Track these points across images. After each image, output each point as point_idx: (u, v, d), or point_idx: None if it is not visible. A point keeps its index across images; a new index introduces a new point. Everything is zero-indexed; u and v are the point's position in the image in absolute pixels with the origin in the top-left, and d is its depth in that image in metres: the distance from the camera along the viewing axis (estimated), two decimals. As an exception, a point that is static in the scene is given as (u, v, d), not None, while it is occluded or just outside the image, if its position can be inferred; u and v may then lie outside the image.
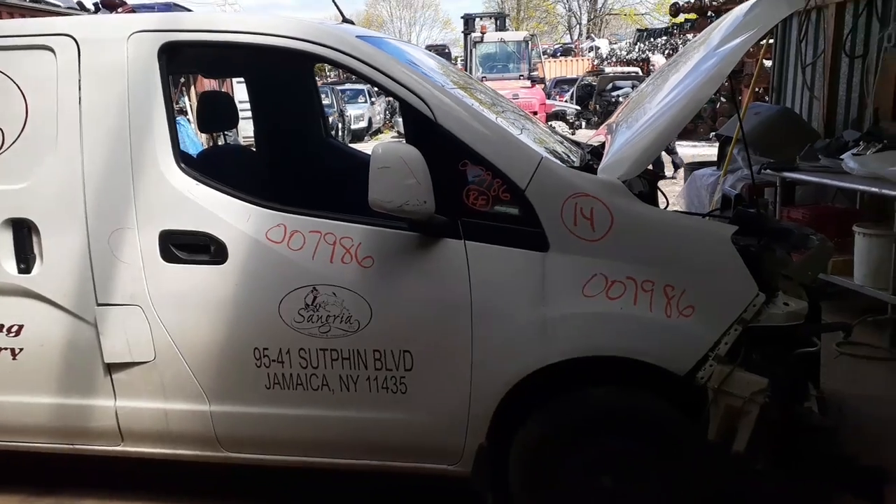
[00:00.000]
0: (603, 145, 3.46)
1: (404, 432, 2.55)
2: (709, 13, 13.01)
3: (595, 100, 20.40)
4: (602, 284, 2.32)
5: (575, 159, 2.77)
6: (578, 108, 20.29)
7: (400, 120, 16.89)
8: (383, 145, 2.26)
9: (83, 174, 2.57)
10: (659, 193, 3.06)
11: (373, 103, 22.23)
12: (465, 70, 15.23)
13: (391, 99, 16.62)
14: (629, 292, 2.31)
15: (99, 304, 2.62)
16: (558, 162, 2.47)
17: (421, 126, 2.40)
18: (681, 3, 13.87)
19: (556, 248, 2.33)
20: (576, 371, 2.38)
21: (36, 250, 2.64)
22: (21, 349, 2.72)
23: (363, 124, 20.83)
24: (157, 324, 2.60)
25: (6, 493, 3.08)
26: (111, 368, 2.68)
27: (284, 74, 3.80)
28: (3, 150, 2.62)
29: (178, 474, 2.93)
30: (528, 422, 2.45)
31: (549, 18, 47.91)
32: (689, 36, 17.84)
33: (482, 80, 13.13)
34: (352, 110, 20.12)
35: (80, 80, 2.56)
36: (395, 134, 20.03)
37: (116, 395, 2.71)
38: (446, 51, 29.88)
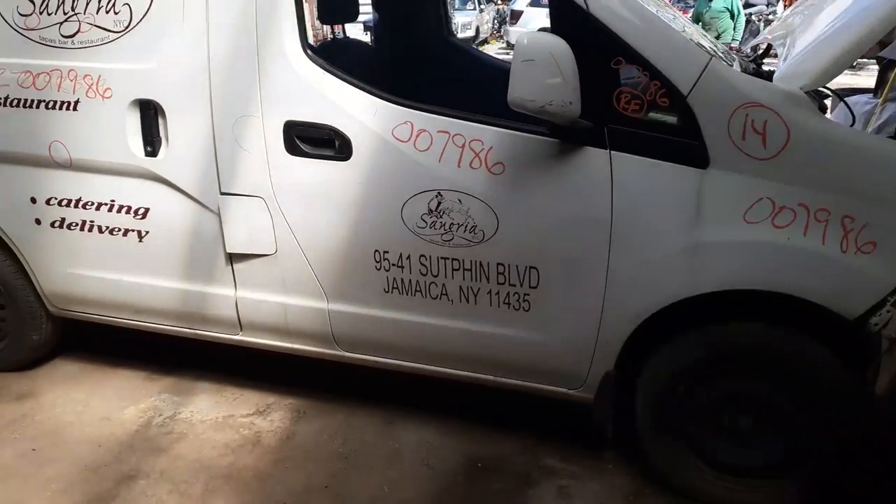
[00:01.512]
0: (763, 54, 2.97)
1: (524, 351, 2.33)
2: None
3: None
4: (768, 210, 1.95)
5: (735, 67, 2.33)
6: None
7: (510, 29, 15.82)
8: (529, 35, 1.92)
9: (209, 57, 2.37)
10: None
11: (482, 10, 20.72)
12: None
13: (501, 6, 15.50)
14: (799, 221, 1.93)
15: (222, 193, 2.48)
16: (728, 65, 2.06)
17: (569, 14, 2.03)
18: None
19: (718, 165, 1.97)
20: (723, 302, 2.06)
21: (162, 133, 2.51)
22: (147, 232, 2.65)
23: (470, 33, 19.56)
24: (280, 217, 2.45)
25: (133, 368, 3.13)
26: (233, 258, 2.58)
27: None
28: (130, 27, 2.45)
29: (296, 368, 2.86)
30: (663, 352, 2.17)
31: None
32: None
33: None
34: (459, 17, 19.02)
35: (208, -46, 2.33)
36: (504, 45, 18.99)
37: (237, 285, 2.62)
38: None
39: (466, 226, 2.23)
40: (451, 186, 2.21)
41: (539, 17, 15.28)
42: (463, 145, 2.18)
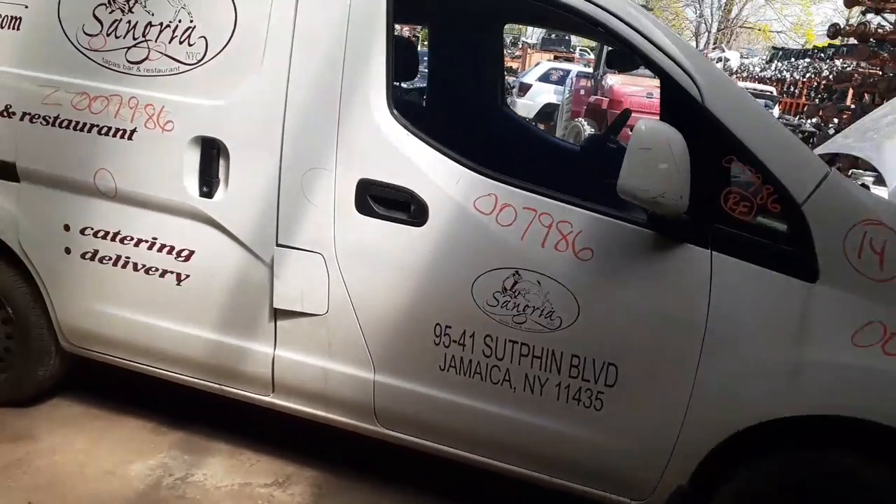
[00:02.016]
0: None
1: (588, 452, 2.13)
2: (870, 40, 11.76)
3: None
4: (878, 335, 1.81)
5: None
6: None
7: (518, 101, 15.97)
8: (647, 123, 1.81)
9: (286, 102, 2.23)
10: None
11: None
12: (595, 63, 14.20)
13: (510, 79, 15.51)
14: (912, 350, 1.79)
15: (279, 245, 2.30)
16: (847, 179, 1.95)
17: (681, 105, 1.93)
18: (841, 26, 12.61)
19: (828, 280, 1.84)
20: (813, 424, 1.90)
21: (221, 175, 2.34)
22: (187, 276, 2.44)
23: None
24: (337, 277, 2.26)
25: (140, 416, 2.87)
26: (277, 314, 2.38)
27: (476, 27, 3.36)
28: (204, 60, 2.31)
29: (318, 437, 2.62)
30: (744, 470, 1.99)
31: (676, 21, 45.52)
32: (838, 62, 16.22)
33: (615, 73, 12.34)
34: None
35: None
36: (513, 115, 19.16)
37: (277, 343, 2.41)
38: (566, 38, 25.61)
39: (543, 310, 2.06)
40: (531, 266, 2.05)
41: (547, 92, 15.51)
42: (550, 225, 2.04)
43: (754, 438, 1.97)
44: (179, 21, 2.32)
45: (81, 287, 2.59)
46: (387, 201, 2.18)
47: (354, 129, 2.18)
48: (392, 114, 2.17)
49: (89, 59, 2.42)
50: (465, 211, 2.10)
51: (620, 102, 10.87)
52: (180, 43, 2.33)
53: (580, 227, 2.02)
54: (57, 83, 2.44)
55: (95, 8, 2.39)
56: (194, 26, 2.31)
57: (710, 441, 1.97)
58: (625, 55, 2.56)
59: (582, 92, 12.90)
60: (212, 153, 2.32)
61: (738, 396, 1.92)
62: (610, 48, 2.83)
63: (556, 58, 20.29)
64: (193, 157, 2.34)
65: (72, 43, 2.43)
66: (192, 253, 2.42)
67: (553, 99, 14.96)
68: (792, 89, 17.74)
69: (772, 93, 19.83)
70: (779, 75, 19.79)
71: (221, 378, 2.54)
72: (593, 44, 24.95)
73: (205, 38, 2.30)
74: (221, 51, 2.29)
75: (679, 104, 1.93)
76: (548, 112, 14.74)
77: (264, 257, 2.33)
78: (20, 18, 2.49)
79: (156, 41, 2.35)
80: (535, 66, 17.06)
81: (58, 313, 2.66)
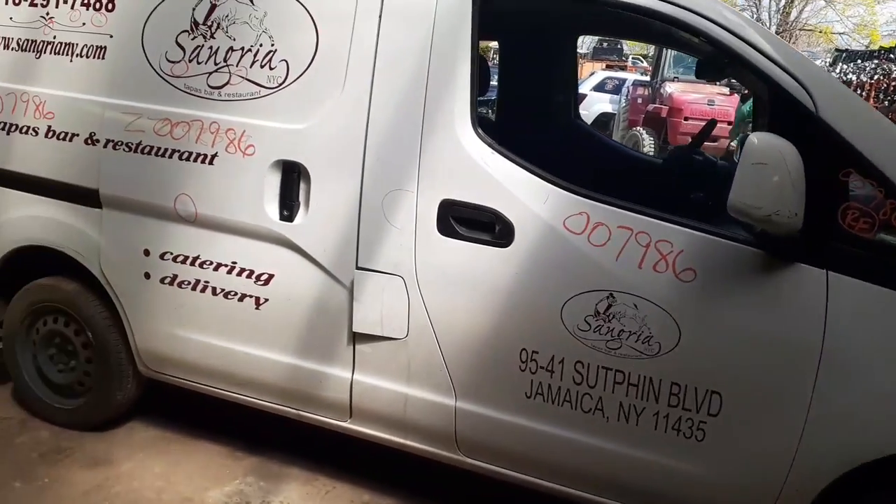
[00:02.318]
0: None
1: (688, 486, 1.99)
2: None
3: None
4: None
5: None
6: None
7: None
8: (760, 136, 1.69)
9: (367, 124, 2.18)
10: None
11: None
12: (651, 71, 13.76)
13: (640, 97, 14.61)
14: None
15: (358, 268, 2.24)
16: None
17: (793, 116, 1.81)
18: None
19: (960, 301, 1.67)
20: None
21: (302, 198, 2.30)
22: (266, 300, 2.40)
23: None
24: (418, 300, 2.19)
25: (215, 441, 2.83)
26: (356, 338, 2.31)
27: (551, 39, 3.28)
28: (285, 84, 2.29)
29: (396, 464, 2.53)
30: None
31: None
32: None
33: (673, 80, 12.08)
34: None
35: (380, 18, 2.17)
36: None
37: (356, 367, 2.34)
38: (618, 46, 24.27)
39: (640, 335, 1.95)
40: (626, 289, 1.94)
41: (602, 102, 15.10)
42: (647, 244, 1.93)
43: (876, 475, 1.80)
44: (261, 45, 2.31)
45: (160, 311, 2.58)
46: (470, 222, 2.10)
47: (437, 148, 2.12)
48: (476, 132, 2.10)
49: (172, 85, 2.42)
50: (554, 231, 2.01)
51: (680, 110, 10.66)
52: (261, 67, 2.31)
53: (681, 246, 1.90)
54: (140, 110, 2.46)
55: (178, 35, 2.41)
56: (275, 50, 2.29)
57: (825, 476, 1.81)
58: (717, 64, 2.45)
59: (639, 101, 12.67)
60: (292, 177, 2.29)
61: (857, 428, 1.76)
62: (699, 57, 2.70)
63: (608, 67, 19.96)
64: (274, 181, 2.31)
65: (155, 70, 2.44)
66: (271, 277, 2.38)
67: (608, 108, 14.56)
68: (859, 92, 17.08)
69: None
70: (844, 78, 19.04)
71: (298, 403, 2.48)
72: (647, 52, 24.25)
73: (286, 61, 2.28)
74: (303, 74, 2.27)
75: (790, 115, 1.80)
76: (603, 121, 14.27)
77: (344, 281, 2.28)
78: (105, 48, 2.53)
79: (237, 66, 2.34)
80: (590, 75, 16.74)
81: (136, 337, 2.66)
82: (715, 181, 2.82)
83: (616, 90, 14.52)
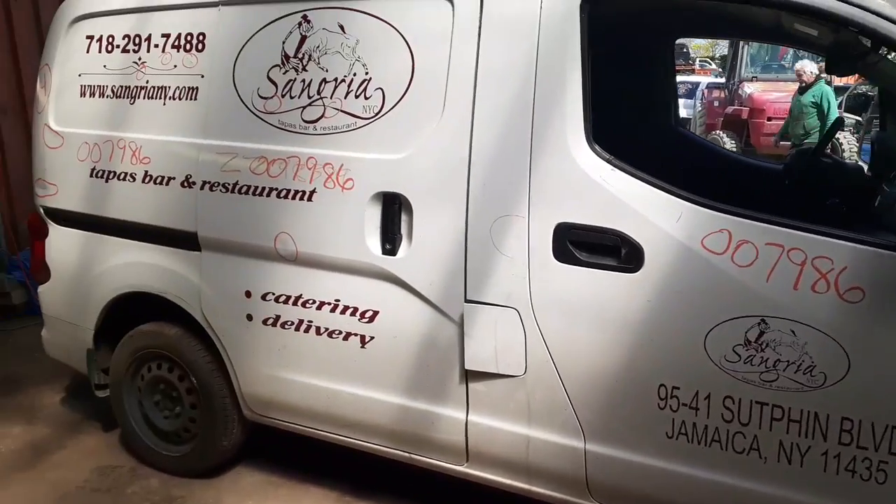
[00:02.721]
0: None
1: (869, 536, 1.72)
2: None
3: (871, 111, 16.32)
4: None
5: None
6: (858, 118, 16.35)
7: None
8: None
9: (471, 148, 2.03)
10: None
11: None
12: (728, 70, 13.00)
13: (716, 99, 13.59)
14: None
15: (468, 301, 2.09)
16: None
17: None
18: None
19: None
20: None
21: (404, 230, 2.17)
22: (372, 338, 2.27)
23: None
24: (535, 333, 2.01)
25: (322, 485, 2.72)
26: (469, 376, 2.15)
27: (653, 43, 3.06)
28: (381, 113, 2.17)
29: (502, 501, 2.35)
30: None
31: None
32: None
33: (752, 80, 11.50)
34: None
35: (479, 37, 2.02)
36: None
37: (470, 407, 2.18)
38: (684, 49, 21.79)
39: (800, 364, 1.70)
40: (781, 313, 1.71)
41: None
42: (803, 262, 1.69)
43: None
44: (354, 74, 2.20)
45: (263, 353, 2.49)
46: (591, 246, 1.91)
47: (549, 169, 1.94)
48: (592, 148, 1.91)
49: (265, 122, 2.35)
50: (690, 252, 1.79)
51: (762, 111, 10.21)
52: (356, 97, 2.20)
53: (844, 262, 1.65)
54: (235, 149, 2.39)
55: (269, 70, 2.33)
56: (370, 78, 2.18)
57: None
58: (850, 58, 2.19)
59: (715, 103, 12.15)
60: (394, 208, 2.16)
61: None
62: (817, 53, 2.44)
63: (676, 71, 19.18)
64: (374, 214, 2.19)
65: (247, 107, 2.38)
66: (375, 314, 2.25)
67: (682, 113, 13.98)
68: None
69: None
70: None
71: (409, 445, 2.33)
72: (712, 53, 23.03)
73: (381, 89, 2.16)
74: (399, 101, 2.14)
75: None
76: (678, 126, 13.70)
77: (452, 315, 2.12)
78: (196, 88, 2.48)
79: (331, 97, 2.24)
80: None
81: (240, 381, 2.58)
82: (848, 185, 2.54)
83: (689, 94, 13.84)
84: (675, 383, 1.86)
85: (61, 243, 2.91)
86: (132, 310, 2.81)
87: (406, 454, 2.36)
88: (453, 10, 2.06)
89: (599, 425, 1.99)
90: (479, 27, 2.02)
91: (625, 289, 1.87)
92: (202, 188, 2.46)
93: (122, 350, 2.85)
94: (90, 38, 2.74)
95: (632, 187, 1.87)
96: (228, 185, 2.41)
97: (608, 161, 1.89)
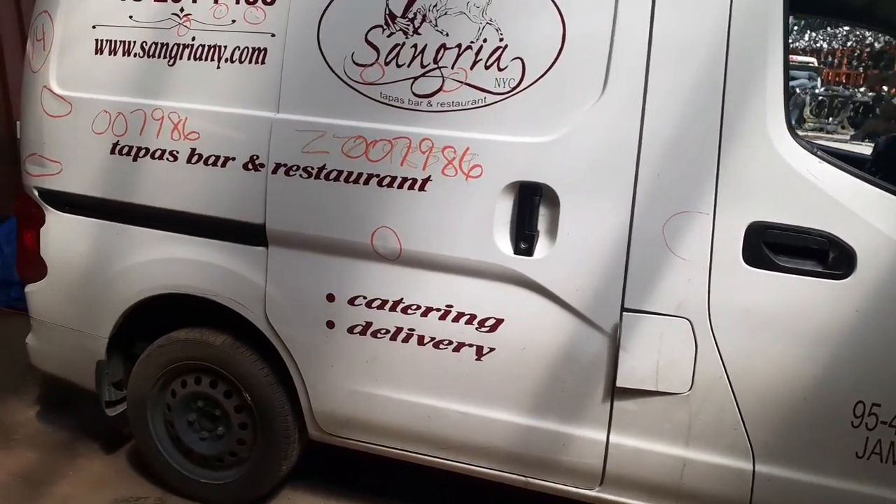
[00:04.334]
0: None
1: None
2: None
3: None
4: None
5: None
6: None
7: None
8: None
9: (641, 132, 1.70)
10: None
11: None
12: None
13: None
14: None
15: (626, 310, 1.77)
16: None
17: None
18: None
19: None
20: None
21: (543, 227, 1.81)
22: (491, 349, 1.91)
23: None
24: (710, 347, 1.73)
25: (396, 504, 2.35)
26: (615, 394, 1.85)
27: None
28: (519, 88, 1.79)
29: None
30: None
31: None
32: None
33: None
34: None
35: (654, 1, 1.69)
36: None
37: (612, 427, 1.87)
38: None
39: None
40: None
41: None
42: None
43: None
44: (484, 40, 1.80)
45: (346, 366, 2.07)
46: (790, 249, 1.64)
47: (743, 159, 1.65)
48: (794, 138, 1.64)
49: (362, 94, 1.90)
50: (912, 257, 1.57)
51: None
52: (486, 67, 1.81)
53: None
54: (321, 126, 1.93)
55: (368, 32, 1.88)
56: (505, 46, 1.79)
57: None
58: None
59: None
60: (533, 201, 1.79)
61: None
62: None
63: None
64: (506, 208, 1.82)
65: (337, 75, 1.92)
66: (499, 322, 1.89)
67: None
68: None
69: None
70: None
71: (529, 469, 2.00)
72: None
73: (521, 59, 1.78)
74: (545, 74, 1.77)
75: None
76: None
77: (603, 325, 1.80)
78: (265, 50, 1.99)
79: (452, 67, 1.83)
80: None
81: (311, 397, 2.14)
82: None
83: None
84: (875, 400, 1.64)
85: (64, 234, 2.32)
86: (156, 314, 2.29)
87: (522, 478, 2.03)
88: None
89: (775, 446, 1.75)
90: (653, -11, 1.68)
91: (829, 297, 1.62)
92: (274, 172, 1.98)
93: (147, 362, 2.31)
94: (108, -20, 2.15)
95: (844, 183, 1.61)
96: (312, 169, 1.95)
97: (814, 153, 1.63)
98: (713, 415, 1.77)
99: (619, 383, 1.81)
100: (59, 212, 2.31)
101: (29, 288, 2.45)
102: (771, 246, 1.65)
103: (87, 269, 2.29)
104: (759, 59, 1.63)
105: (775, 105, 1.63)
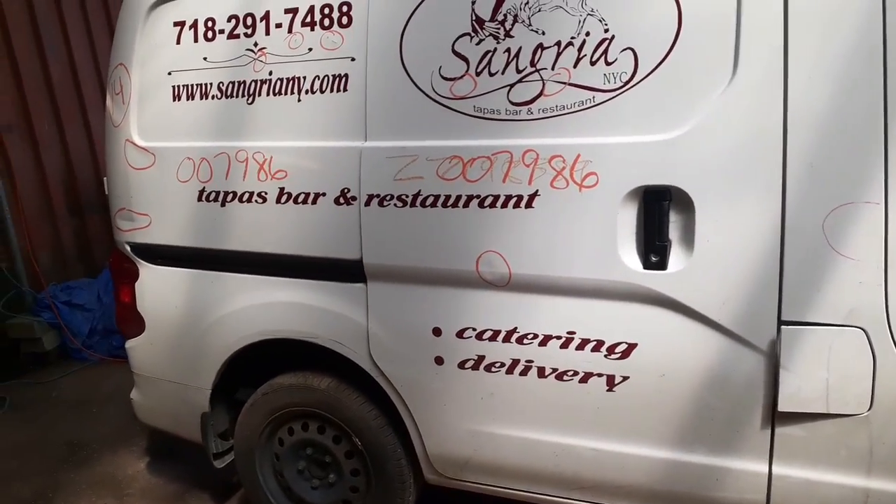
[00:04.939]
0: None
1: None
2: None
3: None
4: None
5: None
6: None
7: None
8: None
9: (785, 115, 1.45)
10: None
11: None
12: None
13: None
14: None
15: (784, 322, 1.52)
16: None
17: None
18: None
19: None
20: None
21: (675, 235, 1.58)
22: (624, 378, 1.69)
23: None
24: (891, 358, 1.45)
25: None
26: (776, 419, 1.59)
27: None
28: (633, 82, 1.57)
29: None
30: None
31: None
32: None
33: None
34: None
35: (786, -38, 1.44)
36: None
37: (774, 457, 1.61)
38: None
39: None
40: None
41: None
42: None
43: None
44: (587, 34, 1.60)
45: (460, 404, 1.89)
46: None
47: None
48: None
49: (454, 110, 1.73)
50: None
51: None
52: (592, 63, 1.60)
53: None
54: (413, 150, 1.77)
55: (455, 42, 1.71)
56: (611, 37, 1.58)
57: None
58: None
59: None
60: (661, 207, 1.57)
61: None
62: None
63: None
64: (630, 218, 1.60)
65: (425, 93, 1.75)
66: (631, 347, 1.67)
67: None
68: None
69: None
70: None
71: (675, 507, 1.77)
72: None
73: (631, 49, 1.56)
74: (661, 62, 1.54)
75: None
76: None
77: (757, 342, 1.55)
78: (346, 76, 1.84)
79: (552, 68, 1.63)
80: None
81: (425, 438, 1.97)
82: None
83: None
84: None
85: (159, 286, 2.25)
86: (258, 360, 2.19)
87: (667, 517, 1.79)
88: None
89: None
90: (783, -48, 1.44)
91: None
92: (367, 204, 1.83)
93: (252, 411, 2.21)
94: (180, 24, 2.07)
95: None
96: (406, 196, 1.79)
97: None
98: (903, 437, 1.49)
99: (780, 407, 1.55)
100: (152, 265, 2.25)
101: (129, 343, 2.40)
102: (964, 234, 1.36)
103: (185, 320, 2.21)
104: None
105: (954, 68, 1.35)
